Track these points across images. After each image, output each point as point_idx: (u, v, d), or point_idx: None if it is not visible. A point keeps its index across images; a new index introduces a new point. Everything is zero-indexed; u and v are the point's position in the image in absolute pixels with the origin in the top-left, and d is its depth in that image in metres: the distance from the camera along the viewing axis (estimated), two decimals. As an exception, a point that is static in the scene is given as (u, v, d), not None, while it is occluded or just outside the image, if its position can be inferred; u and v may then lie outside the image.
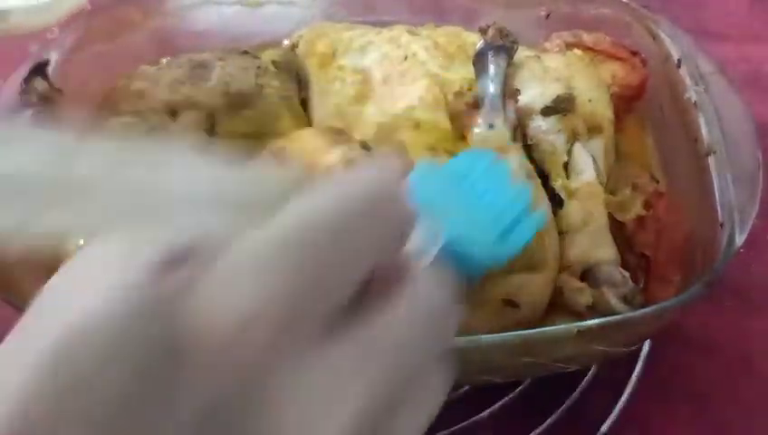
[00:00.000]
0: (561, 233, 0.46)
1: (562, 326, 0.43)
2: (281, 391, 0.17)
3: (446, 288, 0.21)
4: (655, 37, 0.54)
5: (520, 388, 0.53)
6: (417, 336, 0.20)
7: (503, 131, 0.46)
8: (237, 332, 0.16)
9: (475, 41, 0.50)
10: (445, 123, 0.48)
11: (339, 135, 0.47)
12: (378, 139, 0.47)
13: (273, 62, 0.54)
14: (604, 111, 0.51)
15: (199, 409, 0.16)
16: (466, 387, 0.53)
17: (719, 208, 0.44)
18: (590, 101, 0.50)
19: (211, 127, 0.49)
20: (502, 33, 0.48)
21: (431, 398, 0.22)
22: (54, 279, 0.18)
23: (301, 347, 0.17)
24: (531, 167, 0.47)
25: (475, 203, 0.30)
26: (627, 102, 0.55)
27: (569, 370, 0.52)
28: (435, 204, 0.26)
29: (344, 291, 0.18)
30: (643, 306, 0.44)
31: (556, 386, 0.53)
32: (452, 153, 0.47)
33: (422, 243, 0.22)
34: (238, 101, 0.49)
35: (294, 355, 0.17)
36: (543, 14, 0.59)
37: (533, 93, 0.49)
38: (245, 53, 0.56)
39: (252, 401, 0.16)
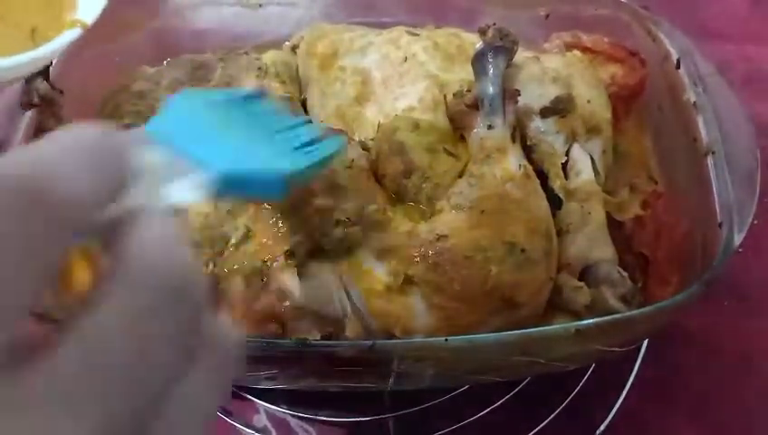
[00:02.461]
0: (559, 232, 0.46)
1: (561, 325, 0.43)
2: None
3: (170, 247, 0.18)
4: (654, 38, 0.54)
5: (519, 387, 0.53)
6: (143, 320, 0.17)
7: (502, 132, 0.47)
8: None
9: (475, 41, 0.50)
10: (444, 124, 0.48)
11: (339, 135, 0.47)
12: (378, 139, 0.47)
13: (274, 63, 0.54)
14: (603, 112, 0.51)
15: None
16: (466, 386, 0.53)
17: (718, 208, 0.44)
18: (588, 101, 0.50)
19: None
20: (501, 33, 0.48)
21: (203, 395, 0.19)
22: None
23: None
24: (530, 167, 0.47)
25: (244, 126, 0.31)
26: (625, 103, 0.55)
27: (567, 369, 0.52)
28: (198, 133, 0.26)
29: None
30: (642, 306, 0.44)
31: (555, 385, 0.53)
32: (452, 154, 0.47)
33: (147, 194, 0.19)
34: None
35: None
36: (543, 14, 0.59)
37: (532, 94, 0.50)
38: (246, 53, 0.56)
39: None
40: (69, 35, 0.40)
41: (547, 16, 0.59)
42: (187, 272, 0.18)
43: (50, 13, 0.41)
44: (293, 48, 0.56)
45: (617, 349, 0.48)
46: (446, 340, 0.39)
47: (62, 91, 0.50)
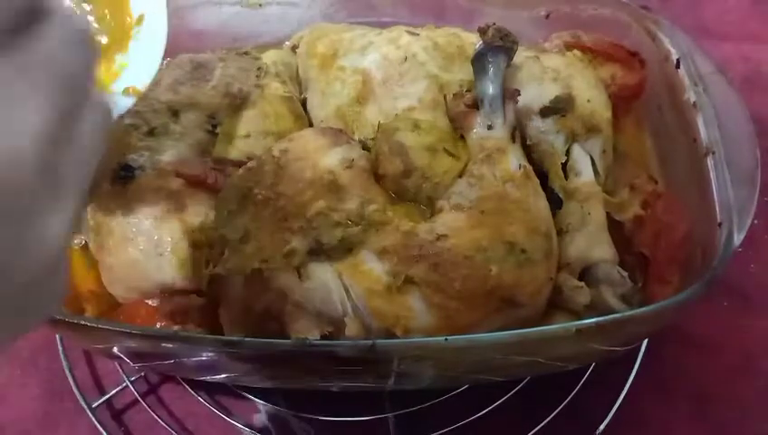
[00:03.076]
0: (559, 232, 0.46)
1: (561, 325, 0.43)
2: None
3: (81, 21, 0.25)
4: (654, 37, 0.54)
5: (519, 386, 0.53)
6: (68, 54, 0.23)
7: (502, 132, 0.47)
8: None
9: (475, 41, 0.50)
10: (444, 124, 0.48)
11: (339, 135, 0.47)
12: (378, 139, 0.47)
13: (274, 63, 0.54)
14: (603, 112, 0.51)
15: None
16: (466, 386, 0.53)
17: (718, 208, 0.44)
18: (588, 101, 0.50)
19: (212, 127, 0.50)
20: (501, 33, 0.48)
21: (95, 129, 0.25)
22: None
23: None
24: (530, 167, 0.47)
25: None
26: (625, 103, 0.55)
27: (567, 368, 0.52)
28: None
29: None
30: (642, 306, 0.44)
31: (554, 385, 0.53)
32: (452, 154, 0.47)
33: None
34: (239, 102, 0.49)
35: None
36: (543, 14, 0.59)
37: (532, 94, 0.50)
38: (246, 53, 0.56)
39: None
40: (123, 103, 0.40)
41: (547, 16, 0.59)
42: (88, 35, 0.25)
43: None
44: (293, 48, 0.57)
45: (617, 349, 0.48)
46: (446, 340, 0.39)
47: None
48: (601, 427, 0.52)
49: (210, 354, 0.43)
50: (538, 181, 0.47)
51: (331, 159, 0.45)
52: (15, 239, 0.22)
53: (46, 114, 0.22)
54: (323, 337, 0.41)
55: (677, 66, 0.52)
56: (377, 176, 0.46)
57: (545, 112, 0.49)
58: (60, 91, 0.23)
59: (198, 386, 0.55)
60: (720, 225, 0.43)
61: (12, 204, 0.21)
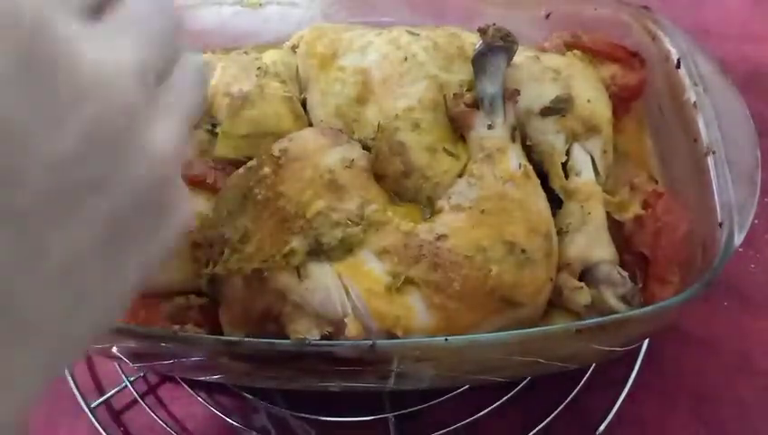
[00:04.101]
0: (559, 232, 0.46)
1: (561, 326, 0.43)
2: (70, 39, 0.22)
3: None
4: (654, 37, 0.54)
5: (519, 387, 0.53)
6: (153, 11, 0.26)
7: (502, 132, 0.47)
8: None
9: (475, 41, 0.50)
10: (444, 124, 0.48)
11: (339, 135, 0.47)
12: (377, 139, 0.47)
13: (274, 63, 0.54)
14: (603, 112, 0.51)
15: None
16: (466, 386, 0.53)
17: (718, 208, 0.44)
18: (588, 101, 0.50)
19: (212, 127, 0.50)
20: (501, 33, 0.48)
21: (189, 81, 0.28)
22: None
23: (72, 15, 0.22)
24: (530, 167, 0.47)
25: None
26: (625, 103, 0.55)
27: (567, 369, 0.52)
28: None
29: None
30: (642, 306, 0.44)
31: (554, 385, 0.53)
32: (452, 154, 0.47)
33: None
34: (239, 102, 0.49)
35: (68, 18, 0.22)
36: (543, 14, 0.59)
37: (532, 94, 0.50)
38: (246, 53, 0.56)
39: (47, 47, 0.21)
40: None
41: (547, 16, 0.59)
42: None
43: None
44: (293, 48, 0.56)
45: (617, 349, 0.48)
46: (446, 340, 0.39)
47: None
48: (601, 427, 0.52)
49: (210, 355, 0.43)
50: (538, 181, 0.46)
51: (330, 158, 0.45)
52: (119, 142, 0.23)
53: (142, 51, 0.25)
54: (323, 337, 0.41)
55: (678, 66, 0.52)
56: (377, 176, 0.46)
57: (545, 112, 0.49)
58: (150, 44, 0.25)
59: (198, 386, 0.55)
60: (721, 225, 0.43)
61: (116, 108, 0.23)
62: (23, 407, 0.23)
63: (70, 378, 0.55)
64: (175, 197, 0.27)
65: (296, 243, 0.42)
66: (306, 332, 0.41)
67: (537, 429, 0.51)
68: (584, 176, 0.49)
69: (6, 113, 0.20)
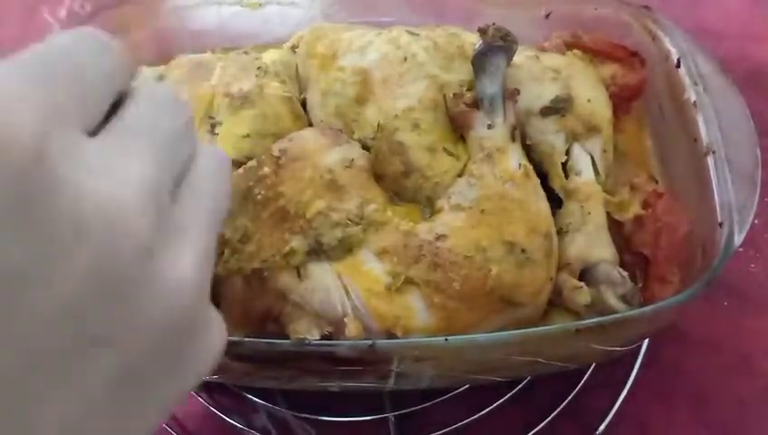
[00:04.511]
0: (559, 232, 0.46)
1: (561, 326, 0.43)
2: (70, 168, 0.20)
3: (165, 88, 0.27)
4: (654, 37, 0.54)
5: (519, 387, 0.53)
6: (163, 114, 0.25)
7: (502, 131, 0.47)
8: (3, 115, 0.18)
9: (475, 41, 0.50)
10: (444, 124, 0.48)
11: (339, 135, 0.47)
12: (377, 139, 0.47)
13: (274, 63, 0.54)
14: (603, 111, 0.51)
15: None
16: (466, 386, 0.53)
17: (718, 208, 0.44)
18: (588, 101, 0.50)
19: (212, 127, 0.50)
20: (501, 33, 0.48)
21: (210, 175, 0.27)
22: None
23: (72, 137, 0.21)
24: (530, 167, 0.47)
25: None
26: (625, 102, 0.55)
27: (567, 369, 0.52)
28: None
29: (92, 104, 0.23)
30: (642, 306, 0.44)
31: (554, 385, 0.53)
32: (451, 154, 0.47)
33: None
34: (239, 102, 0.49)
35: (68, 141, 0.20)
36: (543, 14, 0.59)
37: (532, 94, 0.50)
38: (246, 53, 0.56)
39: (46, 181, 0.19)
40: None
41: (547, 16, 0.59)
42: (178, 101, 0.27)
43: None
44: (293, 48, 0.56)
45: (617, 349, 0.48)
46: (446, 340, 0.39)
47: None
48: (601, 427, 0.52)
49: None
50: (538, 181, 0.46)
51: (330, 158, 0.45)
52: (128, 285, 0.20)
53: (150, 167, 0.22)
54: (323, 337, 0.41)
55: (678, 66, 0.52)
56: (377, 176, 0.46)
57: (545, 112, 0.49)
58: (163, 152, 0.24)
59: (198, 386, 0.55)
60: (721, 225, 0.43)
61: (123, 247, 0.20)
62: None
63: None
64: (202, 324, 0.24)
65: (296, 243, 0.42)
66: (306, 332, 0.41)
67: (537, 429, 0.51)
68: (584, 176, 0.49)
69: (3, 262, 0.18)
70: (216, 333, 0.25)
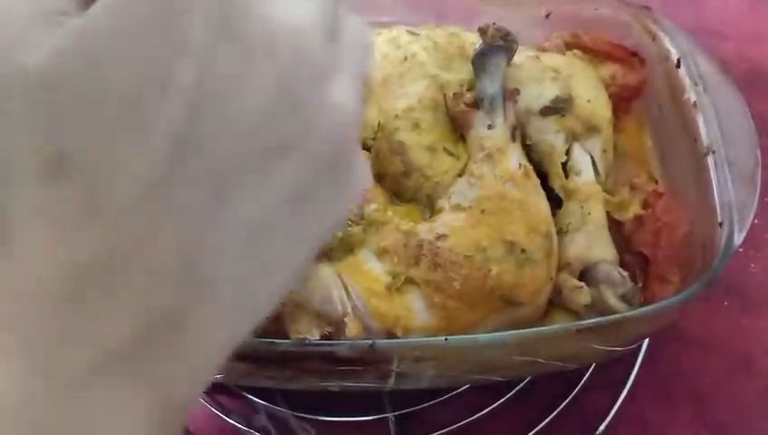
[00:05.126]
0: (559, 232, 0.46)
1: (561, 326, 0.43)
2: None
3: None
4: (654, 37, 0.54)
5: (519, 387, 0.53)
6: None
7: (502, 131, 0.47)
8: None
9: (475, 41, 0.50)
10: (444, 124, 0.48)
11: (339, 135, 0.47)
12: (378, 139, 0.47)
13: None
14: (603, 111, 0.51)
15: None
16: (466, 386, 0.53)
17: (718, 208, 0.44)
18: (588, 101, 0.50)
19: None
20: (501, 33, 0.48)
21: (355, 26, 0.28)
22: None
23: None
24: (530, 167, 0.47)
25: None
26: (625, 102, 0.55)
27: (567, 369, 0.52)
28: None
29: None
30: (642, 306, 0.44)
31: (555, 385, 0.53)
32: (452, 153, 0.47)
33: None
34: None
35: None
36: (543, 14, 0.59)
37: (532, 94, 0.50)
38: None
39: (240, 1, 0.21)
40: None
41: (547, 16, 0.59)
42: None
43: None
44: (293, 48, 0.56)
45: (617, 349, 0.48)
46: (446, 340, 0.39)
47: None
48: (601, 427, 0.52)
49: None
50: (538, 181, 0.47)
51: (330, 158, 0.44)
52: (307, 99, 0.22)
53: (325, 9, 0.24)
54: (323, 337, 0.41)
55: (678, 66, 0.52)
56: (377, 175, 0.46)
57: (545, 112, 0.49)
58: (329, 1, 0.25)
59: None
60: (721, 225, 0.43)
61: (305, 63, 0.22)
62: (196, 387, 0.22)
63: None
64: (355, 161, 0.25)
65: (296, 243, 0.42)
66: (306, 331, 0.41)
67: (537, 429, 0.51)
68: (584, 176, 0.49)
69: (211, 70, 0.20)
70: (362, 172, 0.26)
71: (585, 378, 0.53)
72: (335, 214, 0.25)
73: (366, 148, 0.48)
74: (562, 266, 0.46)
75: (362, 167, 0.26)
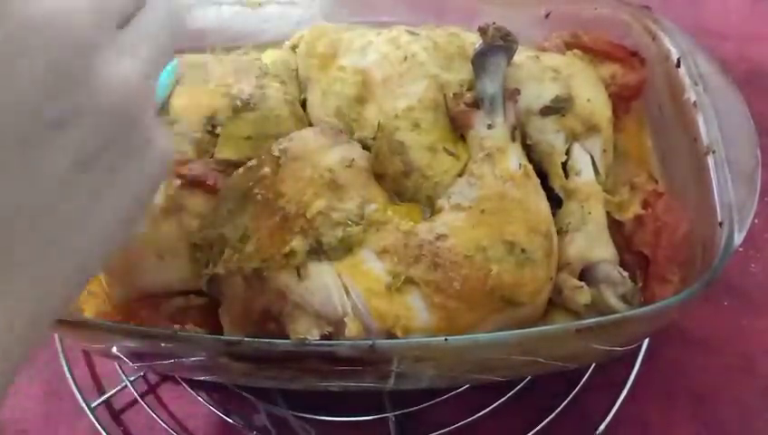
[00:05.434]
0: (559, 232, 0.46)
1: (561, 325, 0.43)
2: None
3: None
4: (654, 37, 0.54)
5: (519, 386, 0.53)
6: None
7: (502, 131, 0.47)
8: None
9: (475, 41, 0.50)
10: (444, 124, 0.48)
11: (339, 135, 0.47)
12: (378, 138, 0.47)
13: (274, 63, 0.54)
14: (603, 111, 0.51)
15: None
16: (466, 386, 0.53)
17: (718, 208, 0.44)
18: (588, 100, 0.50)
19: (212, 128, 0.50)
20: (501, 33, 0.48)
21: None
22: None
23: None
24: (530, 166, 0.47)
25: None
26: (625, 102, 0.55)
27: (567, 369, 0.52)
28: None
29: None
30: (642, 306, 0.44)
31: (555, 385, 0.53)
32: (452, 153, 0.47)
33: None
34: (240, 104, 0.49)
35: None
36: (543, 13, 0.59)
37: (532, 93, 0.50)
38: (246, 53, 0.56)
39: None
40: None
41: (547, 16, 0.59)
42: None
43: None
44: (293, 48, 0.56)
45: (617, 349, 0.48)
46: (446, 340, 0.39)
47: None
48: (601, 427, 0.52)
49: (210, 354, 0.43)
50: (538, 181, 0.46)
51: (330, 158, 0.45)
52: (78, 78, 0.24)
53: None
54: (323, 337, 0.41)
55: (678, 66, 0.52)
56: (377, 175, 0.46)
57: (545, 112, 0.49)
58: None
59: (198, 386, 0.55)
60: (721, 224, 0.43)
61: (71, 45, 0.24)
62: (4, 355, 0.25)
63: (70, 378, 0.55)
64: (149, 132, 0.27)
65: (296, 243, 0.42)
66: (306, 332, 0.41)
67: (537, 429, 0.51)
68: (584, 175, 0.49)
69: None
70: (161, 142, 0.28)
71: (585, 378, 0.53)
72: (136, 181, 0.27)
73: (366, 147, 0.48)
74: (562, 266, 0.46)
75: (162, 138, 0.28)
